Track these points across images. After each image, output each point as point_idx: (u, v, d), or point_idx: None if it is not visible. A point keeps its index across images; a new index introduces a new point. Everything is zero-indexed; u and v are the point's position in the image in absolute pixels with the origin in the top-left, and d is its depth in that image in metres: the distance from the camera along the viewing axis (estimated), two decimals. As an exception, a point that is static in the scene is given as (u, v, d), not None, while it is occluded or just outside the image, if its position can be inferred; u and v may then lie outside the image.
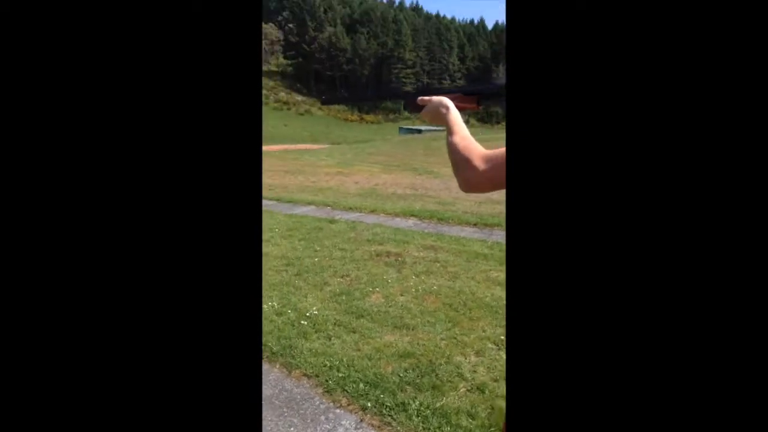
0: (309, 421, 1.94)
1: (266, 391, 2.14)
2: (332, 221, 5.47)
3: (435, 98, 1.04)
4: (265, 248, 4.27)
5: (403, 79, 77.54)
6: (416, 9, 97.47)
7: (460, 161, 0.90)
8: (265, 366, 2.33)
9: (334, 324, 2.76)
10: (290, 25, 70.99)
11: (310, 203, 6.54)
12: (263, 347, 2.48)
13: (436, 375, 2.21)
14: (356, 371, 2.25)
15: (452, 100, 1.04)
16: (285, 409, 2.01)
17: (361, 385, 2.14)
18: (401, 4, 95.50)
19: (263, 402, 2.04)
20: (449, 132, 0.96)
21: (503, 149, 0.83)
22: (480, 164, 0.86)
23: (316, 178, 11.16)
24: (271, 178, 9.76)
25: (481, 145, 0.91)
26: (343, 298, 3.15)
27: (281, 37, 69.24)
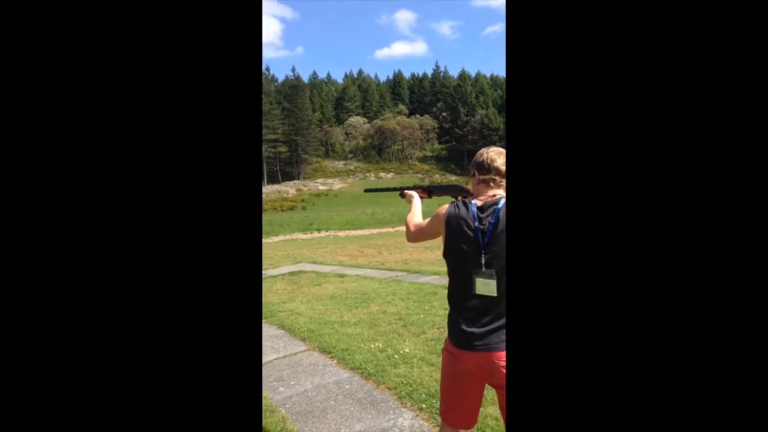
0: (382, 413, 2.84)
1: (359, 395, 3.10)
2: (446, 287, 6.34)
3: (408, 191, 2.06)
4: (385, 307, 5.37)
5: (560, 150, 75.31)
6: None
7: (406, 227, 1.88)
8: (362, 381, 3.31)
9: (419, 359, 3.63)
10: (444, 114, 76.47)
11: (435, 274, 7.54)
12: (363, 371, 3.47)
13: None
14: (423, 387, 3.08)
15: (417, 192, 2.04)
16: (368, 405, 2.94)
17: (423, 395, 2.97)
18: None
19: (356, 401, 3.00)
20: (409, 210, 1.95)
21: (427, 220, 1.78)
22: (412, 229, 1.83)
23: (453, 252, 12.06)
24: (410, 254, 11.11)
25: (420, 219, 1.87)
26: (433, 342, 4.00)
27: (436, 125, 74.70)
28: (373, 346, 4.01)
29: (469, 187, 1.87)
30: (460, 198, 1.92)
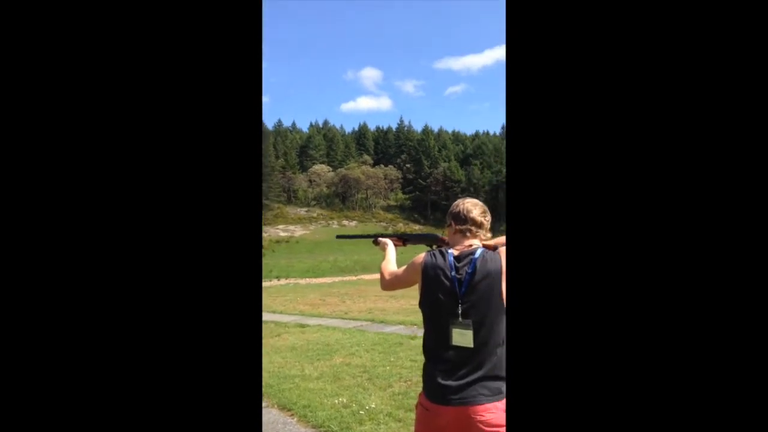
0: (346, 477, 2.61)
1: (321, 456, 2.86)
2: (413, 337, 6.18)
3: (382, 239, 1.99)
4: (348, 359, 5.13)
5: (519, 203, 77.85)
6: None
7: (380, 275, 1.79)
8: (325, 440, 3.07)
9: (386, 415, 3.42)
10: (407, 165, 78.15)
11: (400, 323, 7.34)
12: (326, 429, 3.23)
13: (453, 453, 2.75)
14: (390, 447, 2.88)
15: (392, 240, 1.97)
16: (331, 469, 2.71)
17: (391, 456, 2.76)
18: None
19: (318, 464, 2.76)
20: (383, 258, 1.87)
21: (402, 268, 1.70)
22: (387, 277, 1.75)
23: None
24: (374, 302, 10.88)
25: (395, 267, 1.79)
26: (400, 396, 3.81)
27: (400, 176, 76.07)
28: (336, 401, 3.77)
29: (445, 237, 1.85)
30: (435, 247, 1.88)
